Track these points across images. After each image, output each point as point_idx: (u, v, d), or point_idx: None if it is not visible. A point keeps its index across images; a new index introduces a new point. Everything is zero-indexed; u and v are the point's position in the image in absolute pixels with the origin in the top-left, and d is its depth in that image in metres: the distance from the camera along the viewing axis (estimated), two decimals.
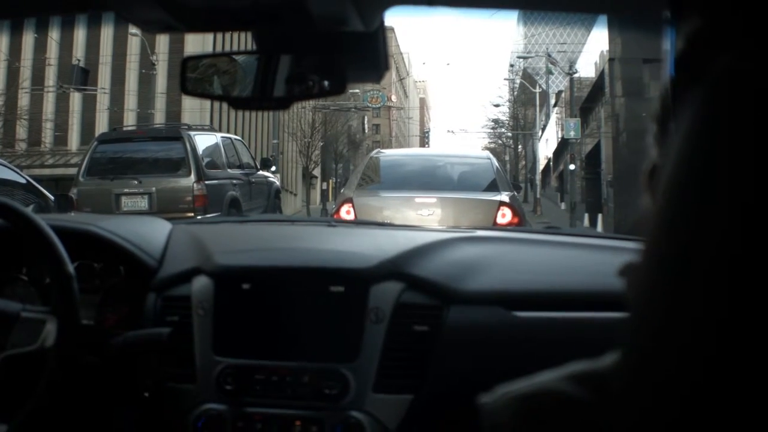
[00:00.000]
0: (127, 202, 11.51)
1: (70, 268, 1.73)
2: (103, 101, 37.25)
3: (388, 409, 1.82)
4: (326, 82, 1.29)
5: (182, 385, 1.88)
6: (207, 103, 36.99)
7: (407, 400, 1.82)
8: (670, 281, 0.44)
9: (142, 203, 11.41)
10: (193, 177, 11.33)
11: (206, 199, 11.28)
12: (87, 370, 1.83)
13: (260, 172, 14.24)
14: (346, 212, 7.69)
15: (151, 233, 2.16)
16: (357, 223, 4.38)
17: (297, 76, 1.30)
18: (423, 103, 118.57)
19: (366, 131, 73.21)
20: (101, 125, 37.50)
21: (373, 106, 51.38)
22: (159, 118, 35.55)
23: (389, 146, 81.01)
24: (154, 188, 11.45)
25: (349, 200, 7.86)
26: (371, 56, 1.24)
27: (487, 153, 10.34)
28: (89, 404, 1.90)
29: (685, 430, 0.42)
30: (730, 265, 0.41)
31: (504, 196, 7.86)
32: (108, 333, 1.88)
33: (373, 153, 9.94)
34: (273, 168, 15.68)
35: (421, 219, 7.36)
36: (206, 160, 11.90)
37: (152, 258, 2.04)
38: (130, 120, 36.85)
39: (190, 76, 1.42)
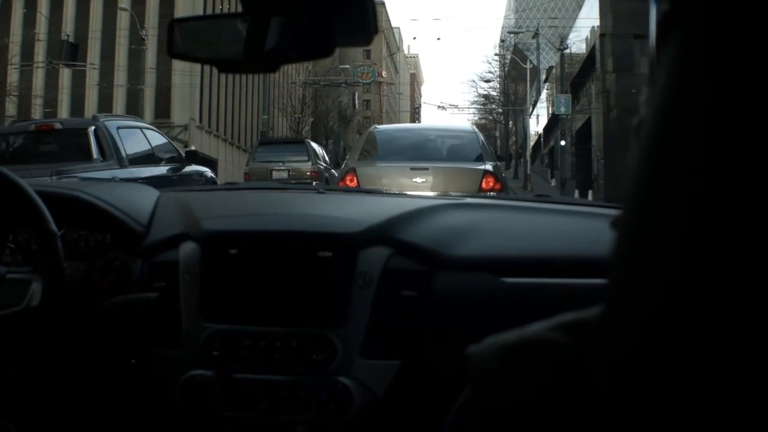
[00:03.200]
0: (275, 174, 19.24)
1: (53, 226, 1.71)
2: (92, 77, 37.01)
3: (376, 375, 1.81)
4: (315, 45, 1.28)
5: (169, 351, 1.88)
6: (197, 78, 36.96)
7: (395, 366, 1.82)
8: (637, 229, 0.45)
9: (284, 174, 19.18)
10: (310, 162, 19.67)
11: (317, 174, 19.19)
12: (74, 336, 1.83)
13: (332, 170, 21.53)
14: (350, 180, 8.66)
15: (138, 199, 2.15)
16: (346, 190, 4.37)
17: (285, 38, 1.27)
18: (414, 78, 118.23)
19: (356, 107, 72.92)
20: (91, 101, 37.42)
21: (364, 81, 51.24)
22: (149, 94, 35.42)
23: (380, 122, 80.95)
24: (290, 167, 19.42)
25: (353, 170, 8.79)
26: (359, 18, 1.22)
27: (473, 127, 11.62)
28: (76, 369, 1.90)
29: (649, 380, 0.43)
30: (695, 210, 0.41)
31: (488, 166, 8.81)
32: (94, 299, 1.87)
33: (371, 129, 11.08)
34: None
35: (415, 186, 8.31)
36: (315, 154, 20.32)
37: (139, 224, 2.03)
38: (119, 95, 36.69)
39: (178, 39, 1.39)
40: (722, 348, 0.41)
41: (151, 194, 2.21)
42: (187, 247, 1.93)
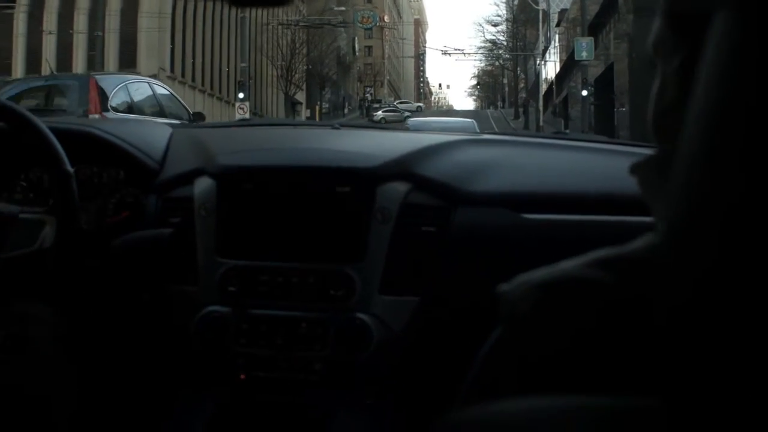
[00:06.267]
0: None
1: (68, 166, 1.75)
2: (51, 21, 33.45)
3: (394, 311, 1.86)
4: None
5: (184, 288, 1.93)
6: (167, 21, 33.05)
7: (414, 302, 1.87)
8: (705, 163, 0.44)
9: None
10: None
11: None
12: (88, 273, 1.87)
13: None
14: None
15: (152, 135, 2.19)
16: (363, 126, 4.37)
17: None
18: (418, 23, 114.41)
19: (356, 53, 68.82)
20: (49, 49, 33.71)
21: (365, 26, 47.80)
22: (112, 40, 31.80)
23: (381, 69, 77.97)
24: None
25: None
26: None
27: (472, 119, 20.59)
28: (91, 307, 1.95)
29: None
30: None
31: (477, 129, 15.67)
32: (109, 235, 1.90)
33: (407, 122, 19.30)
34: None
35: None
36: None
37: (153, 160, 2.07)
38: (80, 43, 32.87)
39: None
40: None
41: (164, 131, 2.26)
42: (203, 183, 1.97)
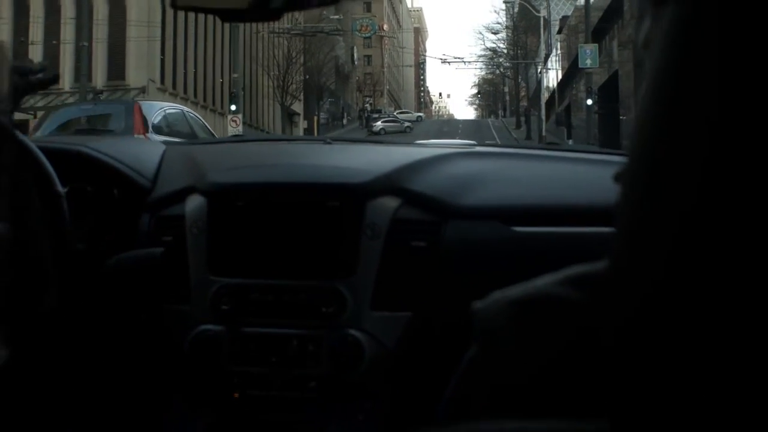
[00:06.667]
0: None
1: (59, 186, 1.75)
2: (36, 32, 32.91)
3: (386, 327, 1.87)
4: None
5: (177, 307, 1.94)
6: (156, 30, 32.16)
7: (405, 318, 1.88)
8: (645, 182, 0.44)
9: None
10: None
11: None
12: (81, 293, 1.88)
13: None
14: None
15: (144, 153, 2.20)
16: (354, 140, 3.98)
17: None
18: (417, 32, 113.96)
19: (355, 62, 67.99)
20: (34, 61, 32.49)
21: (363, 35, 47.21)
22: (100, 50, 31.74)
23: (381, 78, 77.67)
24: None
25: None
26: None
27: (474, 142, 17.06)
28: (84, 327, 1.95)
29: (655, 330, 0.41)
30: (701, 176, 0.41)
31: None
32: (102, 255, 1.91)
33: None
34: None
35: None
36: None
37: (145, 178, 2.07)
38: (67, 53, 31.87)
39: None
40: (733, 304, 0.39)
41: (157, 148, 2.26)
42: (194, 201, 1.98)
